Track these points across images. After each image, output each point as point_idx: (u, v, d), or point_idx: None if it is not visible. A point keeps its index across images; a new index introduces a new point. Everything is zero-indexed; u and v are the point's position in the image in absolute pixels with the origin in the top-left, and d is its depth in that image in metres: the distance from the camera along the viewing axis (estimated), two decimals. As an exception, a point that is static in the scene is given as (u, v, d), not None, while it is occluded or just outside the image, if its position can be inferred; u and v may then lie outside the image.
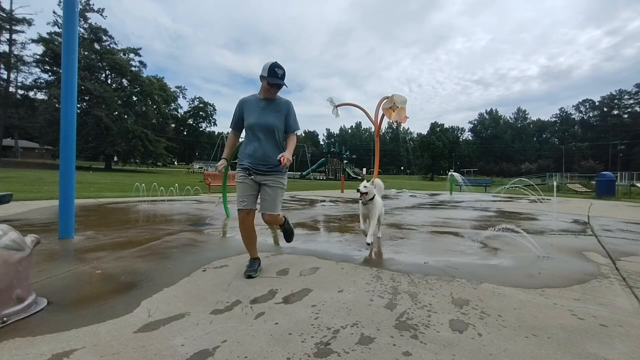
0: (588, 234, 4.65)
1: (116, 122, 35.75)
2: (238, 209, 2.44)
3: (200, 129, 73.10)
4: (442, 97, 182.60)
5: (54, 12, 35.49)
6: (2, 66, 33.38)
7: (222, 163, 2.57)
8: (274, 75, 2.41)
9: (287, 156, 2.46)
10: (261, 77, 2.45)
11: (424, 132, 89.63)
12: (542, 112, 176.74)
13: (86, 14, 36.48)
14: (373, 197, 3.44)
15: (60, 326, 1.56)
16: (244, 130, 2.59)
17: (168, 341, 1.45)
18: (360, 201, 3.47)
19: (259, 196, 2.48)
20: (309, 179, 34.88)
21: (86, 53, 35.12)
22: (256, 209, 2.46)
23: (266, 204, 2.42)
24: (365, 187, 3.40)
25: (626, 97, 71.47)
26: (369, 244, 3.29)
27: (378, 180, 3.71)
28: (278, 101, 2.52)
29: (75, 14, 3.53)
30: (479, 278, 2.45)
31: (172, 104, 55.14)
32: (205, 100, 72.47)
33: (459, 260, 2.99)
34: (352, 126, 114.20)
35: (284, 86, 2.46)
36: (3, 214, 4.95)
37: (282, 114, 2.50)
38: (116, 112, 37.06)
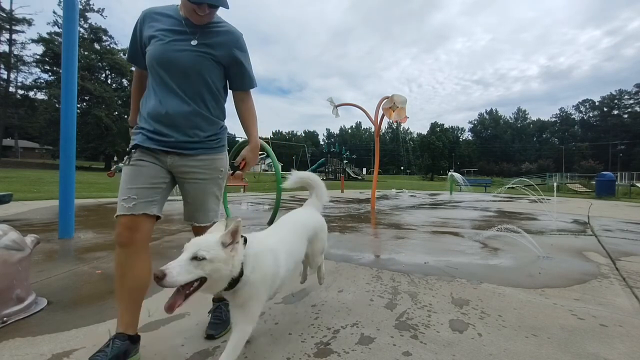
0: (588, 234, 4.65)
1: (116, 122, 35.76)
2: (117, 215, 1.30)
3: (200, 129, 73.10)
4: (442, 97, 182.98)
5: (54, 12, 35.56)
6: (2, 66, 33.42)
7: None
8: None
9: (249, 158, 1.49)
10: None
11: (424, 132, 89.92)
12: (542, 112, 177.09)
13: (86, 14, 36.51)
14: (238, 280, 1.12)
15: (60, 326, 1.56)
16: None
17: (168, 341, 1.45)
18: None
19: (175, 195, 1.49)
20: (309, 179, 34.84)
21: (86, 53, 35.13)
22: (158, 216, 1.36)
23: (192, 208, 1.45)
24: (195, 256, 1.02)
25: (626, 97, 71.55)
26: None
27: (300, 175, 1.82)
28: (216, 29, 1.39)
29: (75, 14, 3.53)
30: (479, 278, 2.45)
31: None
32: (205, 100, 72.49)
33: (459, 260, 2.99)
34: (352, 126, 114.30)
35: (225, 7, 1.33)
36: (3, 214, 4.95)
37: (223, 54, 1.39)
38: (116, 112, 37.08)
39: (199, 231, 1.43)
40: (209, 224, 1.45)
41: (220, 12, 1.42)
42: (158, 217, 1.36)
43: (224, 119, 1.53)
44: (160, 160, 1.36)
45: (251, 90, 1.55)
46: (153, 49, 1.33)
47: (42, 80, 35.61)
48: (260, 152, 1.87)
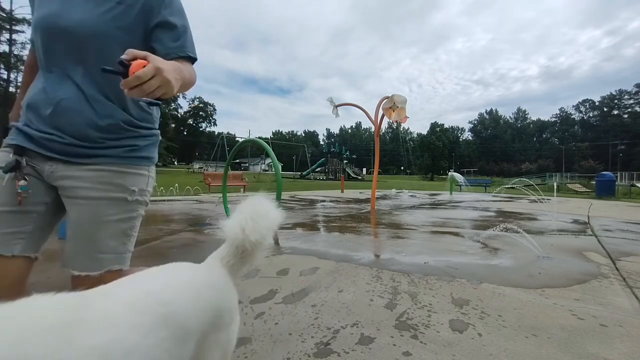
0: (588, 234, 4.65)
1: (116, 122, 35.80)
2: None
3: (200, 129, 73.16)
4: (442, 97, 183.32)
5: (54, 12, 35.59)
6: (2, 66, 33.42)
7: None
8: None
9: (154, 59, 0.68)
10: None
11: (424, 132, 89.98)
12: (542, 112, 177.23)
13: (86, 14, 36.56)
14: None
15: (60, 326, 1.56)
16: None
17: (168, 341, 1.45)
18: None
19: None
20: (309, 179, 34.91)
21: (86, 53, 35.17)
22: (34, 257, 1.00)
23: (71, 244, 0.96)
24: None
25: (626, 97, 71.64)
26: None
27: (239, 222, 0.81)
28: None
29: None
30: (479, 278, 2.45)
31: (172, 104, 55.28)
32: (205, 100, 72.64)
33: (459, 260, 2.99)
34: (352, 126, 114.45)
35: None
36: (3, 214, 4.95)
37: (134, 8, 0.92)
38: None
39: (77, 285, 0.88)
40: (96, 273, 0.89)
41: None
42: (35, 258, 0.94)
43: (153, 121, 1.03)
44: (38, 171, 0.90)
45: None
46: (38, 14, 0.91)
47: (42, 80, 35.70)
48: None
